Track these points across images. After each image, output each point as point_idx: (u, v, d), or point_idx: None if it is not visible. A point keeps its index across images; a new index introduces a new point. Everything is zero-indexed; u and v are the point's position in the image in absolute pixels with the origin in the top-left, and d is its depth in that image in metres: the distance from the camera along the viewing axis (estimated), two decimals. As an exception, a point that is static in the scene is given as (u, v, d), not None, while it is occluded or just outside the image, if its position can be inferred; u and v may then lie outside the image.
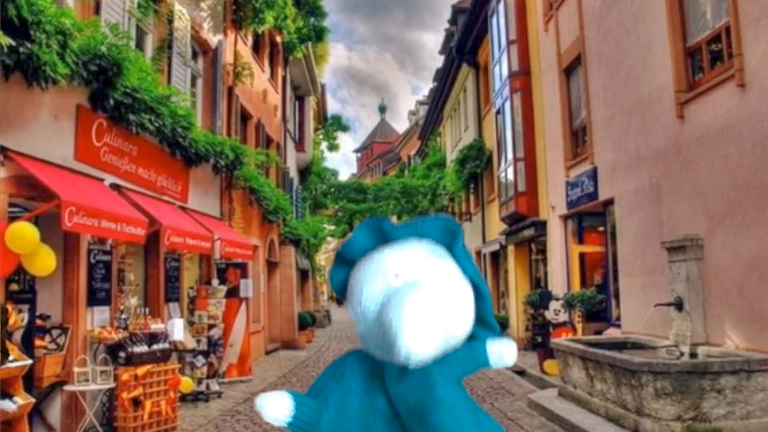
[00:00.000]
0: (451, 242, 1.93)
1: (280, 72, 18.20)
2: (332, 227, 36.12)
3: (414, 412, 1.77)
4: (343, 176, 48.10)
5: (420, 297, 1.72)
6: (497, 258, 18.65)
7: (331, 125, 29.23)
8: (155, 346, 7.32)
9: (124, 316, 7.46)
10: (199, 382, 9.25)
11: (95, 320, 7.13)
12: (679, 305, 7.43)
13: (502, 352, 1.99)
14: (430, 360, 1.76)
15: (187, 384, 8.14)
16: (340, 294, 2.01)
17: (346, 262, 1.98)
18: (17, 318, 5.70)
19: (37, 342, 6.28)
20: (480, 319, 1.95)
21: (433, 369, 1.81)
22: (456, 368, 1.88)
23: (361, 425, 1.82)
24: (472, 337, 1.96)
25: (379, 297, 1.80)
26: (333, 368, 1.97)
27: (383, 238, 1.93)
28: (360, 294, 1.85)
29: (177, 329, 8.09)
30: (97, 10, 7.54)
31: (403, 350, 1.65)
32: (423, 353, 1.68)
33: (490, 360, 1.98)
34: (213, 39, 11.87)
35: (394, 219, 38.79)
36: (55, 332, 6.67)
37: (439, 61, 34.95)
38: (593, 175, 10.65)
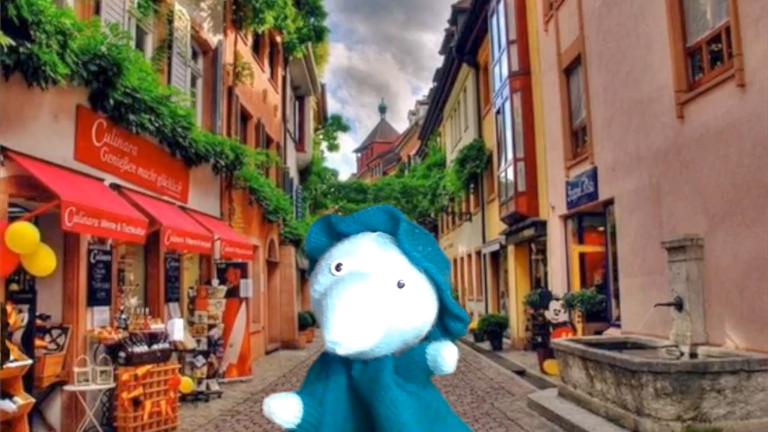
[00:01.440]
0: (394, 230, 1.88)
1: (280, 72, 18.20)
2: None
3: (367, 403, 1.77)
4: (343, 176, 48.16)
5: (353, 288, 1.68)
6: (497, 258, 18.65)
7: (331, 125, 29.22)
8: (155, 346, 7.32)
9: (124, 316, 7.46)
10: (199, 382, 9.25)
11: (95, 320, 7.13)
12: (679, 305, 7.44)
13: (439, 358, 1.82)
14: (373, 352, 1.73)
15: (187, 384, 8.14)
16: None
17: (313, 260, 2.00)
18: (17, 318, 5.70)
19: (37, 342, 6.28)
20: (443, 308, 1.91)
21: (386, 363, 1.79)
22: (402, 372, 1.82)
23: (353, 417, 1.82)
24: (445, 329, 1.93)
25: (321, 289, 1.81)
26: (317, 371, 1.95)
27: (334, 233, 1.93)
28: (311, 287, 1.88)
29: (177, 329, 8.09)
30: (97, 10, 7.53)
31: (330, 340, 1.64)
32: (349, 345, 1.64)
33: (429, 364, 1.85)
34: (213, 39, 11.87)
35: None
36: (55, 332, 6.67)
37: (439, 61, 34.98)
38: (593, 175, 10.65)
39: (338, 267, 1.80)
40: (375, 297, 1.69)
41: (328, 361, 1.90)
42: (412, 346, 1.87)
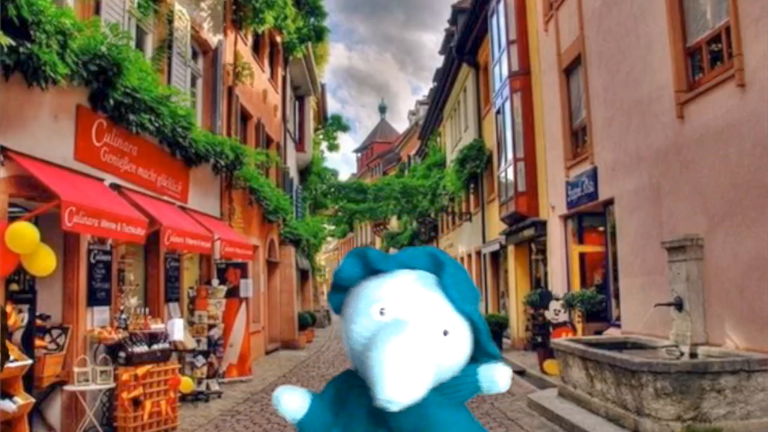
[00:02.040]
0: (438, 274, 1.82)
1: (280, 72, 18.20)
2: (332, 227, 36.10)
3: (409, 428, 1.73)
4: (343, 176, 48.09)
5: (402, 342, 1.61)
6: (497, 258, 18.64)
7: (331, 125, 29.22)
8: (155, 346, 7.32)
9: (124, 316, 7.46)
10: (199, 382, 9.25)
11: (95, 320, 7.13)
12: (679, 305, 7.44)
13: (495, 377, 1.86)
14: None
15: (187, 384, 8.14)
16: (338, 312, 1.96)
17: (340, 288, 1.92)
18: (17, 318, 5.70)
19: (37, 342, 6.28)
20: (479, 348, 1.88)
21: (427, 395, 1.74)
22: (449, 394, 1.81)
23: None
24: (473, 360, 1.89)
25: (365, 333, 1.72)
26: (335, 389, 1.90)
27: (368, 268, 1.85)
28: (348, 329, 1.78)
29: (177, 329, 8.09)
30: (97, 10, 7.53)
31: (383, 398, 1.58)
32: (402, 401, 1.59)
33: (482, 386, 1.86)
34: (213, 39, 11.87)
35: (393, 219, 38.84)
36: (55, 332, 6.66)
37: (439, 61, 34.96)
38: (593, 175, 10.65)
39: (381, 311, 1.73)
40: (423, 348, 1.64)
41: (350, 382, 1.85)
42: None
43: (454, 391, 1.82)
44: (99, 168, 7.33)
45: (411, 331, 1.64)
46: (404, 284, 1.79)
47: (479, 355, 1.89)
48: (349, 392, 1.84)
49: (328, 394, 1.89)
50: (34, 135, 6.17)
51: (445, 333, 1.73)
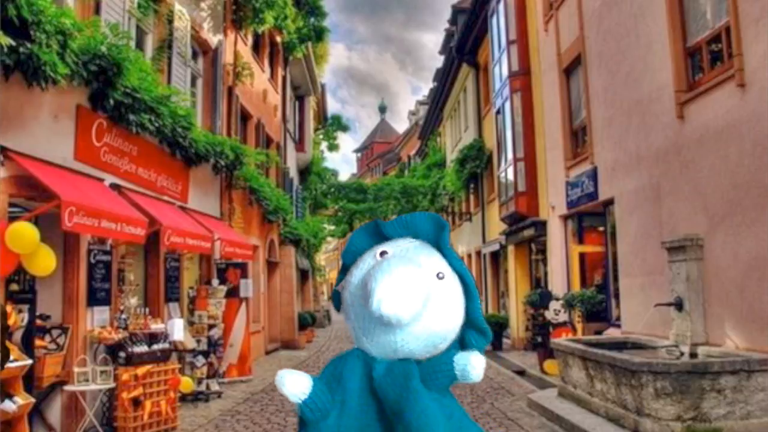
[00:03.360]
0: (438, 235, 1.95)
1: (280, 72, 18.20)
2: (332, 227, 36.09)
3: (393, 407, 1.79)
4: (343, 176, 48.10)
5: (400, 261, 1.76)
6: (497, 258, 18.65)
7: (331, 125, 29.22)
8: (155, 346, 7.32)
9: (124, 316, 7.46)
10: (199, 382, 9.24)
11: (95, 320, 7.13)
12: (679, 305, 7.44)
13: (468, 366, 1.87)
14: (402, 349, 1.80)
15: (187, 384, 8.14)
16: (337, 307, 2.04)
17: (345, 270, 2.02)
18: (17, 318, 5.70)
19: (37, 342, 6.28)
20: (469, 320, 1.93)
21: (413, 368, 1.83)
22: (428, 380, 1.85)
23: (358, 423, 1.84)
24: (462, 341, 1.94)
25: (364, 270, 1.86)
26: (333, 368, 1.97)
27: (378, 236, 1.98)
28: (351, 276, 1.91)
29: (177, 329, 8.09)
30: (97, 10, 7.53)
31: (379, 311, 1.67)
32: (397, 313, 1.68)
33: (457, 373, 1.89)
34: (213, 39, 11.87)
35: (393, 218, 38.79)
36: (55, 332, 6.66)
37: (439, 61, 34.97)
38: (593, 175, 10.65)
39: (382, 253, 1.87)
40: (418, 275, 1.75)
41: (346, 360, 1.94)
42: (435, 354, 1.89)
43: (433, 378, 1.86)
44: (99, 168, 7.33)
45: (408, 262, 1.78)
46: (405, 242, 1.95)
47: (470, 332, 1.95)
48: (344, 369, 1.92)
49: (326, 374, 1.96)
50: (34, 135, 6.16)
51: (439, 275, 1.85)
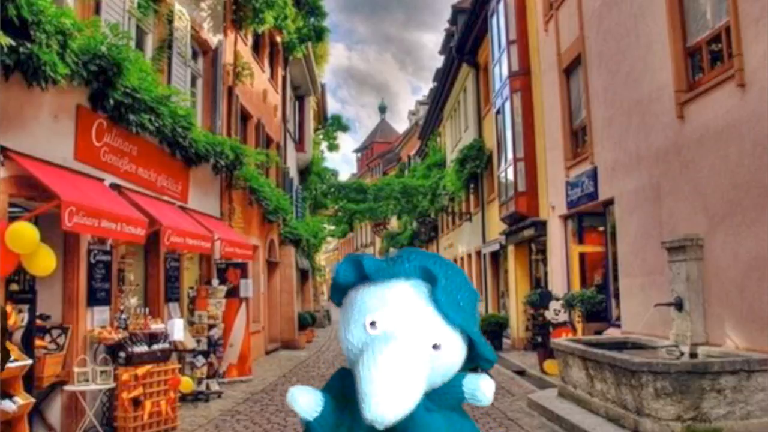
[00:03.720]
0: (431, 284, 1.78)
1: (280, 72, 18.20)
2: (332, 227, 36.11)
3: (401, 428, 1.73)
4: (343, 176, 48.04)
5: (389, 359, 1.62)
6: (497, 258, 18.64)
7: (331, 125, 29.21)
8: (155, 346, 7.32)
9: (124, 316, 7.46)
10: (199, 382, 9.25)
11: (95, 320, 7.13)
12: (679, 305, 7.44)
13: (477, 392, 1.83)
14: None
15: (187, 384, 8.14)
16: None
17: (339, 288, 1.94)
18: (17, 318, 5.70)
19: (37, 342, 6.28)
20: (474, 351, 1.87)
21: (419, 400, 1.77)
22: (435, 401, 1.80)
23: None
24: (469, 361, 1.89)
25: (357, 344, 1.74)
26: (339, 384, 1.92)
27: (361, 275, 1.84)
28: (344, 336, 1.81)
29: (177, 329, 8.09)
30: (97, 10, 7.53)
31: (370, 415, 1.58)
32: (389, 419, 1.59)
33: (466, 396, 1.84)
34: (213, 39, 11.87)
35: (393, 219, 38.80)
36: (55, 332, 6.66)
37: (439, 61, 34.96)
38: (593, 175, 10.65)
39: (372, 324, 1.74)
40: (411, 364, 1.64)
41: (342, 386, 1.87)
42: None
43: (441, 400, 1.82)
44: (99, 168, 7.33)
45: (399, 347, 1.64)
46: (396, 296, 1.78)
47: (475, 357, 1.89)
48: (347, 391, 1.83)
49: (333, 389, 1.91)
50: (34, 135, 6.16)
51: (435, 347, 1.73)
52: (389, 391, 1.58)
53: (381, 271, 1.82)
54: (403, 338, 1.68)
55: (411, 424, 1.71)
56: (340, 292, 1.92)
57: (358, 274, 1.85)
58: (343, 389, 1.87)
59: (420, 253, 1.90)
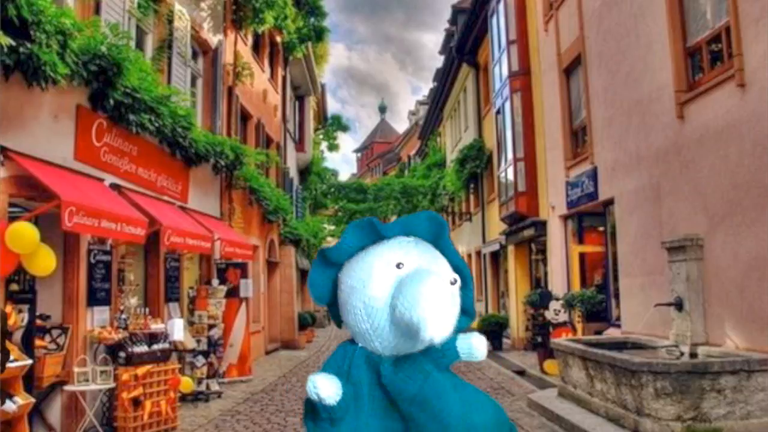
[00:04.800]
0: (437, 235, 1.99)
1: (280, 72, 18.20)
2: (332, 227, 36.05)
3: (414, 400, 1.85)
4: (343, 176, 48.11)
5: (432, 281, 1.76)
6: (497, 258, 18.65)
7: (331, 125, 29.22)
8: (155, 346, 7.32)
9: (124, 316, 7.46)
10: (199, 382, 9.25)
11: (95, 320, 7.13)
12: (679, 305, 7.44)
13: (472, 349, 2.01)
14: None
15: (187, 384, 8.14)
16: (323, 301, 2.05)
17: (331, 264, 2.02)
18: (17, 318, 5.70)
19: (37, 342, 6.28)
20: (462, 308, 2.00)
21: (421, 359, 1.90)
22: (436, 359, 1.94)
23: (374, 417, 1.89)
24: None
25: (387, 287, 1.84)
26: (337, 365, 1.98)
27: (372, 236, 1.98)
28: (364, 289, 1.88)
29: (177, 329, 8.09)
30: (97, 10, 7.53)
31: (428, 335, 1.71)
32: (443, 335, 1.74)
33: (461, 354, 2.01)
34: (213, 39, 11.87)
35: (392, 219, 38.83)
36: (55, 332, 6.67)
37: (439, 61, 34.97)
38: (593, 175, 10.65)
39: (398, 265, 1.87)
40: (449, 292, 1.80)
41: (351, 357, 1.95)
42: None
43: (438, 360, 1.95)
44: (99, 168, 7.33)
45: (437, 276, 1.80)
46: (411, 244, 1.96)
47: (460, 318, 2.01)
48: (351, 366, 1.94)
49: (333, 370, 1.96)
50: (34, 135, 6.17)
51: (452, 283, 1.88)
52: (439, 310, 1.72)
53: (392, 227, 2.00)
54: (433, 271, 1.84)
55: (428, 381, 1.86)
56: (331, 268, 2.02)
57: (366, 236, 1.98)
58: (341, 371, 1.94)
59: (409, 215, 2.11)
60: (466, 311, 2.01)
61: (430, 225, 2.00)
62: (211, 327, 9.91)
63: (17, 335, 5.79)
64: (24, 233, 5.41)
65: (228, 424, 7.73)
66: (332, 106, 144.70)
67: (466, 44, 19.45)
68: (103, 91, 7.00)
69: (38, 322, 6.44)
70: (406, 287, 1.76)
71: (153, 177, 8.75)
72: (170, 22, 9.71)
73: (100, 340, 6.96)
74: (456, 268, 1.98)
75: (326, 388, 1.84)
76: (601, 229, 11.40)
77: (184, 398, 8.47)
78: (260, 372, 11.92)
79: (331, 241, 55.20)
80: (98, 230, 6.29)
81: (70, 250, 6.86)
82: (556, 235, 12.73)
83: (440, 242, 2.00)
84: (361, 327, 1.90)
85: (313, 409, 1.90)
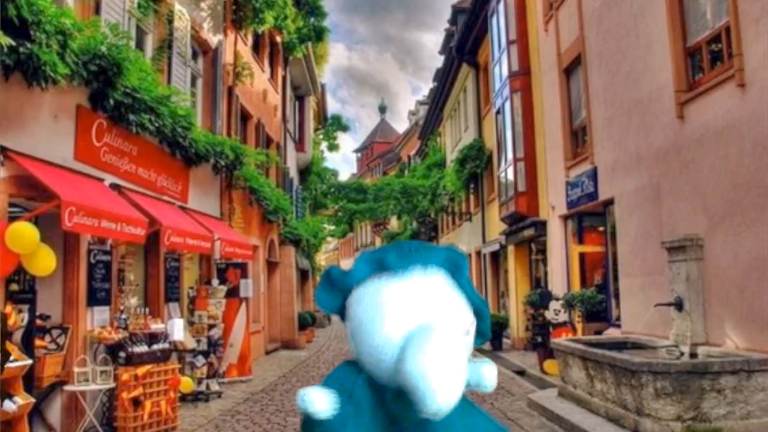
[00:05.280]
0: (456, 270, 1.85)
1: (280, 72, 18.20)
2: (332, 227, 36.09)
3: (420, 425, 1.76)
4: (343, 176, 48.06)
5: (439, 349, 1.62)
6: (497, 258, 18.64)
7: (331, 125, 29.22)
8: (155, 346, 7.32)
9: (124, 316, 7.46)
10: (199, 382, 9.24)
11: (95, 320, 7.13)
12: (679, 305, 7.44)
13: (482, 379, 1.88)
14: None
15: (187, 384, 8.14)
16: (332, 312, 1.96)
17: (338, 289, 1.91)
18: (17, 318, 5.70)
19: (37, 342, 6.28)
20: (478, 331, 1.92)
21: None
22: None
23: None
24: None
25: (395, 340, 1.71)
26: (337, 383, 1.91)
27: (383, 267, 1.84)
28: (373, 330, 1.76)
29: (177, 329, 8.09)
30: (97, 10, 7.53)
31: (433, 408, 1.59)
32: (449, 406, 1.61)
33: (470, 382, 1.87)
34: (213, 39, 11.87)
35: (393, 219, 38.81)
36: (55, 332, 6.66)
37: (439, 61, 34.98)
38: (593, 175, 10.65)
39: (409, 317, 1.73)
40: (455, 351, 1.66)
41: (354, 380, 1.87)
42: None
43: None
44: (99, 168, 7.33)
45: (444, 336, 1.65)
46: (424, 286, 1.79)
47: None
48: (352, 385, 1.86)
49: (334, 388, 1.89)
50: (34, 135, 6.16)
51: (466, 333, 1.77)
52: (446, 381, 1.59)
53: (404, 262, 1.83)
54: (443, 328, 1.69)
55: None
56: (339, 292, 1.89)
57: (377, 269, 1.85)
58: (344, 389, 1.85)
59: (427, 245, 1.93)
60: (483, 334, 1.91)
61: (445, 264, 1.85)
62: (211, 327, 9.91)
63: (17, 335, 5.79)
64: (24, 233, 5.41)
65: (228, 424, 7.73)
66: (332, 106, 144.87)
67: (466, 44, 19.45)
68: (103, 91, 7.00)
69: (38, 322, 6.44)
70: (415, 352, 1.62)
71: (153, 177, 8.75)
72: (170, 22, 9.71)
73: (100, 340, 6.96)
74: (474, 306, 1.85)
75: (319, 401, 1.77)
76: (601, 229, 11.40)
77: (184, 398, 8.47)
78: (260, 372, 11.92)
79: (331, 241, 54.86)
80: (98, 230, 6.29)
81: (70, 250, 6.86)
82: (556, 235, 12.73)
83: (459, 278, 1.85)
84: (367, 360, 1.81)
85: (309, 426, 1.85)
